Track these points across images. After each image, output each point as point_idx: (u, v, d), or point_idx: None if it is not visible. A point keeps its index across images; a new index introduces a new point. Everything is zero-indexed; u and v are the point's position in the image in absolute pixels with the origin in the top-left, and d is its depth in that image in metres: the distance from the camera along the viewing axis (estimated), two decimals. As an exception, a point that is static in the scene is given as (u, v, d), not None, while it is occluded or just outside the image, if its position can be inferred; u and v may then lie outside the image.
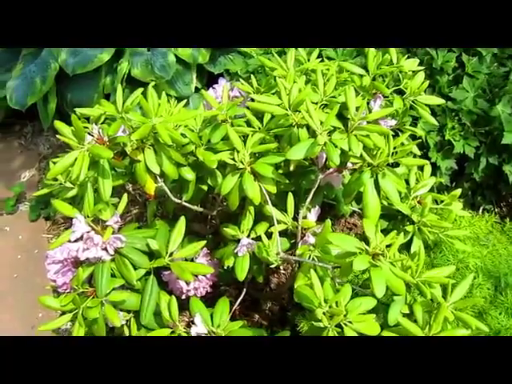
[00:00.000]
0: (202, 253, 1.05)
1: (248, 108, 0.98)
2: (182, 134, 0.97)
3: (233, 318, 0.98)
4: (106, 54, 1.47)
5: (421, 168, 1.06)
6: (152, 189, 0.96)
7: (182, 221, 0.99)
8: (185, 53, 1.51)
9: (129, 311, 1.02)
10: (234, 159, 0.91)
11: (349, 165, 0.94)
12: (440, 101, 1.06)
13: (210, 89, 1.14)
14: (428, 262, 1.02)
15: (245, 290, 1.10)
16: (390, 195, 0.89)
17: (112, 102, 0.97)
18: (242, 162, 0.91)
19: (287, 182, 0.95)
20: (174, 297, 0.97)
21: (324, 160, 0.94)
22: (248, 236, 0.98)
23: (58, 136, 0.90)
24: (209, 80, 1.58)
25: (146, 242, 0.98)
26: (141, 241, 0.99)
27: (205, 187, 1.02)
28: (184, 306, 1.03)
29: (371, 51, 1.03)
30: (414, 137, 1.15)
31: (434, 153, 1.32)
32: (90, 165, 0.89)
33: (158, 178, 0.96)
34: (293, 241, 1.00)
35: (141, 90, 0.96)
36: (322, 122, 0.87)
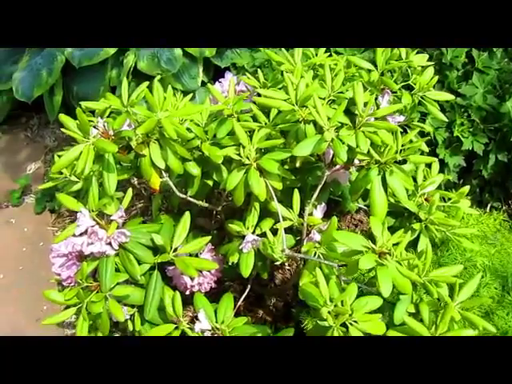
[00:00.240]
0: (207, 248, 1.04)
1: (254, 103, 0.97)
2: (188, 129, 0.96)
3: (237, 314, 0.98)
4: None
5: (428, 165, 1.04)
6: (157, 183, 0.95)
7: (187, 216, 0.99)
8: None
9: (133, 306, 1.02)
10: (239, 155, 0.90)
11: (356, 161, 0.92)
12: (449, 97, 1.05)
13: (217, 83, 1.13)
14: (435, 261, 1.01)
15: (249, 286, 1.10)
16: (398, 193, 0.88)
17: (117, 95, 0.97)
18: (247, 158, 0.90)
19: (293, 178, 0.94)
20: (177, 292, 0.97)
21: (331, 156, 0.92)
22: (253, 232, 0.98)
23: (62, 129, 0.90)
24: (215, 74, 1.56)
25: (150, 237, 0.98)
26: (145, 235, 0.99)
27: (210, 182, 1.02)
28: (188, 300, 1.03)
29: (380, 46, 1.02)
30: (422, 133, 1.14)
31: (442, 149, 1.31)
32: (95, 159, 0.89)
33: (163, 172, 0.95)
34: (298, 237, 0.99)
35: (146, 83, 0.95)
36: (329, 118, 0.86)
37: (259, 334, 0.93)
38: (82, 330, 0.95)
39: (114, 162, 0.91)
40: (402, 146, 0.87)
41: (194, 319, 0.98)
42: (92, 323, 0.97)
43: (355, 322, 0.73)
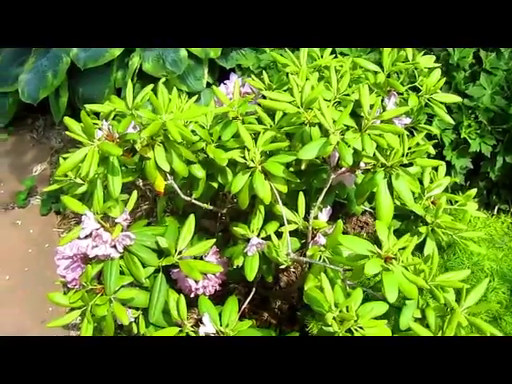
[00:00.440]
0: (212, 251, 1.04)
1: (259, 105, 0.96)
2: (193, 131, 0.96)
3: (242, 316, 0.97)
4: (117, 49, 1.46)
5: (435, 167, 1.03)
6: (162, 186, 0.95)
7: (192, 219, 0.98)
8: (196, 48, 1.49)
9: (137, 308, 1.02)
10: (244, 157, 0.90)
11: (362, 164, 0.92)
12: (456, 99, 1.04)
13: (221, 85, 1.12)
14: (441, 264, 1.00)
15: (254, 288, 1.09)
16: (404, 196, 0.87)
17: (123, 97, 0.97)
18: (252, 161, 0.89)
19: (298, 181, 0.94)
20: (182, 295, 0.97)
21: (336, 159, 0.92)
22: (258, 235, 0.97)
23: (67, 133, 0.90)
24: (220, 75, 1.56)
25: (155, 240, 0.98)
26: (150, 238, 0.99)
27: (215, 185, 1.01)
28: (193, 303, 1.03)
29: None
30: (428, 135, 1.13)
31: (449, 151, 1.30)
32: (100, 161, 0.89)
33: (168, 175, 0.95)
34: (303, 241, 0.99)
35: (151, 86, 0.95)
36: (334, 121, 0.85)
37: (264, 338, 0.93)
38: (87, 332, 0.94)
39: (119, 164, 0.91)
40: (409, 148, 0.86)
41: (198, 322, 0.97)
42: (96, 325, 0.97)
43: (360, 327, 0.73)
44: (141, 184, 1.05)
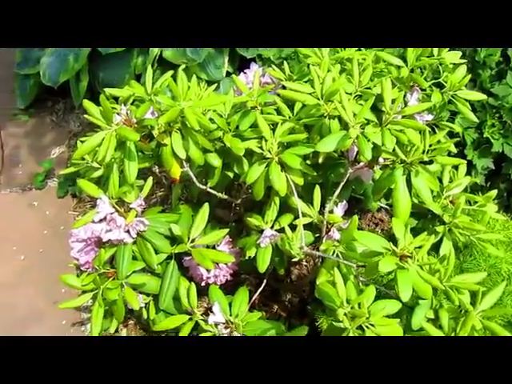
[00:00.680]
0: (224, 240, 1.04)
1: (279, 95, 0.95)
2: (211, 119, 0.95)
3: (252, 308, 0.97)
4: (138, 34, 1.46)
5: (455, 166, 1.01)
6: (177, 173, 0.95)
7: (206, 207, 0.98)
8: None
9: (148, 294, 1.02)
10: (261, 148, 0.89)
11: (380, 160, 0.90)
12: (481, 96, 1.01)
13: (241, 74, 1.11)
14: (457, 265, 0.98)
15: (265, 280, 1.09)
16: (422, 194, 0.85)
17: (142, 83, 0.96)
18: (269, 152, 0.88)
19: (315, 174, 0.93)
20: (193, 284, 0.97)
21: (355, 153, 0.90)
22: (272, 227, 0.96)
23: (85, 116, 0.90)
24: (241, 64, 1.55)
25: (168, 227, 0.98)
26: (163, 225, 0.99)
27: (231, 174, 1.00)
28: (203, 292, 1.03)
29: (411, 41, 0.98)
30: (450, 132, 1.10)
31: (470, 150, 1.27)
32: (117, 146, 0.89)
33: (184, 162, 0.95)
34: (317, 235, 0.98)
35: (171, 72, 0.94)
36: (355, 114, 0.84)
37: (273, 330, 0.93)
38: (98, 315, 0.95)
39: (136, 150, 0.91)
40: (430, 146, 0.85)
41: (208, 311, 0.98)
42: (107, 309, 0.98)
43: (372, 325, 0.72)
44: (157, 170, 1.05)
